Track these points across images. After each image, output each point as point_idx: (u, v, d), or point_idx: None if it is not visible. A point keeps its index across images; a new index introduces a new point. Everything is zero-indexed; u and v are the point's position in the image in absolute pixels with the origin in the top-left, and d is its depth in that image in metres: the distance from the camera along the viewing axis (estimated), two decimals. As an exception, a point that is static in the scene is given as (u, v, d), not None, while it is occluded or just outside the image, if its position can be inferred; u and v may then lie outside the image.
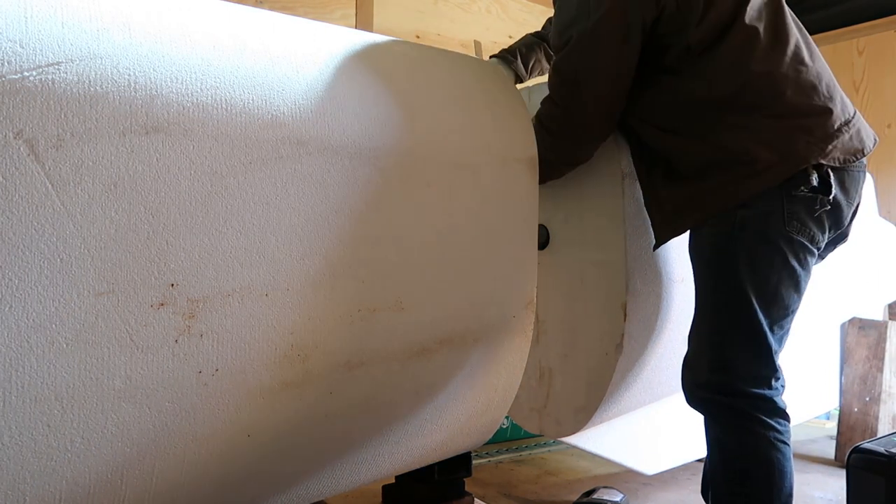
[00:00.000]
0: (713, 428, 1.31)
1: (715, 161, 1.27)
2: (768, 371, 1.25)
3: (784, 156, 1.22)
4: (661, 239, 1.40)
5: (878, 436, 1.90)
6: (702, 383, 1.29)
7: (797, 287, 1.26)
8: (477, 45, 1.80)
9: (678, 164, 1.33)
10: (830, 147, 1.24)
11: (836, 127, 1.25)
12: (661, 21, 1.26)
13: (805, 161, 1.22)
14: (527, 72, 1.69)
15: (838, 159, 1.25)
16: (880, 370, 2.35)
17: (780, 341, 1.28)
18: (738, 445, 1.26)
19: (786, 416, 1.27)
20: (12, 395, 0.77)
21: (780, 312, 1.25)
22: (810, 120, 1.25)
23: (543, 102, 1.40)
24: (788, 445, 1.26)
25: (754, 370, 1.25)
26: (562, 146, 1.41)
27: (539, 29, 1.76)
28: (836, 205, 1.26)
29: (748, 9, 1.26)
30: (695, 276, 1.35)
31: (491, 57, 1.67)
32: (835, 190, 1.24)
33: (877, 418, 2.31)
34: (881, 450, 1.53)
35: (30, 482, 0.82)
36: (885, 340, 2.36)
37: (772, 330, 1.24)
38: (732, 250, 1.25)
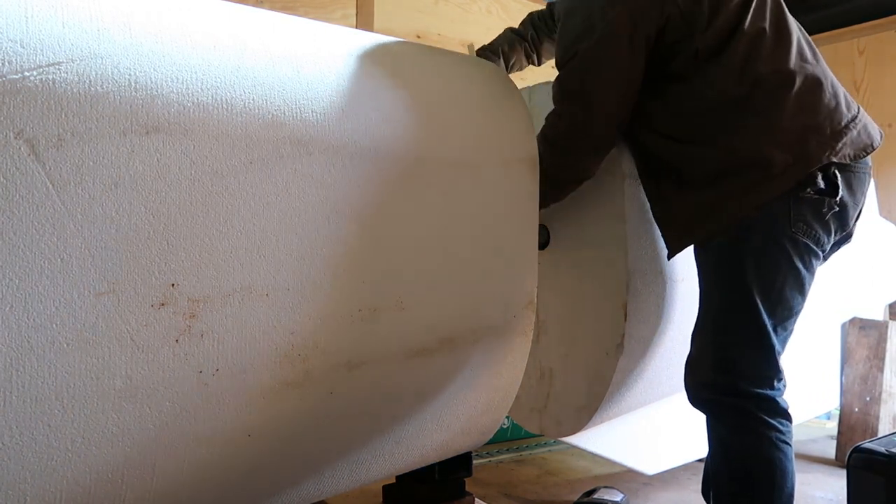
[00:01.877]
0: (716, 428, 1.31)
1: (729, 167, 1.26)
2: (771, 371, 1.26)
3: (798, 156, 1.22)
4: (676, 249, 1.37)
5: (879, 436, 1.91)
6: (706, 383, 1.29)
7: (801, 289, 1.26)
8: (470, 47, 1.79)
9: (690, 173, 1.31)
10: (840, 144, 1.23)
11: (843, 123, 1.25)
12: (667, 30, 1.26)
13: (817, 160, 1.22)
14: (507, 70, 1.68)
15: (848, 156, 1.24)
16: (881, 370, 2.35)
17: (784, 342, 1.28)
18: (741, 445, 1.26)
19: (788, 417, 1.27)
20: (13, 394, 0.77)
21: (785, 314, 1.25)
22: (819, 118, 1.24)
23: (549, 119, 1.38)
24: (790, 446, 1.26)
25: (758, 370, 1.25)
26: (570, 162, 1.39)
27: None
28: (842, 206, 1.26)
29: (752, 9, 1.26)
30: (700, 276, 1.35)
31: (479, 53, 1.67)
32: (842, 191, 1.24)
33: (877, 418, 2.31)
34: (882, 450, 1.53)
35: (30, 482, 0.82)
36: (885, 340, 2.36)
37: (775, 331, 1.25)
38: (739, 252, 1.25)
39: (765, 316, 1.23)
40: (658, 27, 1.25)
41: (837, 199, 1.23)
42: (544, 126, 1.39)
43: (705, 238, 1.30)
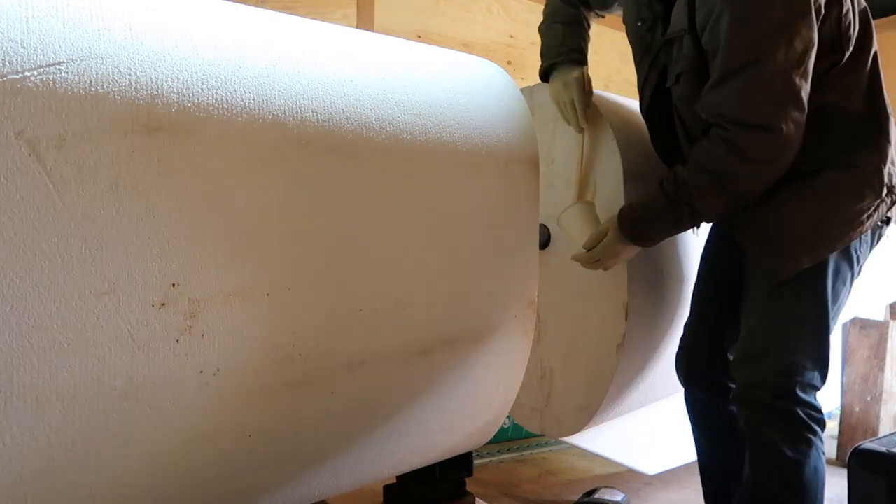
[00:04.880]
0: (762, 432, 1.26)
1: (853, 183, 1.21)
2: (823, 379, 1.27)
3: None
4: (790, 269, 1.23)
5: (880, 435, 1.90)
6: (763, 383, 1.25)
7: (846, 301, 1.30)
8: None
9: (809, 186, 1.22)
10: None
11: None
12: (822, 26, 1.16)
13: None
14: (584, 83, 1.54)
15: None
16: (881, 370, 2.35)
17: None
18: (796, 453, 1.23)
19: (824, 427, 1.28)
20: (14, 395, 0.77)
21: (836, 324, 1.29)
22: None
23: (737, 133, 1.16)
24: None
25: (814, 380, 1.25)
26: (774, 174, 1.20)
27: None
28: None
29: (872, 23, 1.25)
30: (752, 273, 1.30)
31: (552, 64, 1.53)
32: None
33: (878, 418, 2.31)
34: (882, 449, 1.53)
35: (31, 482, 0.82)
36: (886, 340, 2.36)
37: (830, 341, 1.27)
38: (825, 265, 1.24)
39: (831, 327, 1.25)
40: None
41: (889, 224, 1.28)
42: (701, 158, 1.21)
43: (825, 256, 1.23)
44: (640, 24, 1.35)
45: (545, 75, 1.57)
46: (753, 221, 1.27)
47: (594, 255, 1.39)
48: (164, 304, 0.86)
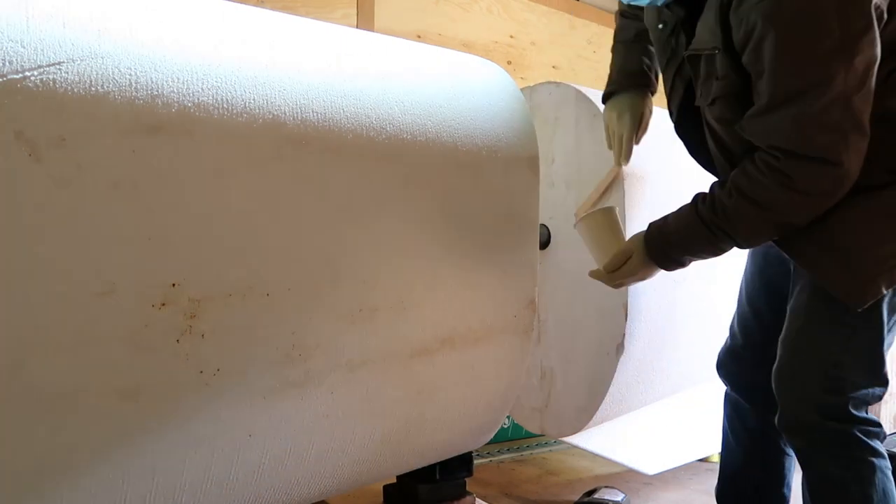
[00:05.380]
0: (820, 462, 1.14)
1: None
2: (880, 385, 1.14)
3: None
4: (868, 296, 1.08)
5: (880, 436, 1.90)
6: (805, 400, 1.13)
7: None
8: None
9: (882, 201, 1.08)
10: None
11: None
12: (884, 32, 1.02)
13: None
14: (657, 82, 1.43)
15: None
16: (882, 370, 2.35)
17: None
18: (860, 484, 1.11)
19: (884, 438, 1.16)
20: (15, 395, 0.77)
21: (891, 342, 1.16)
22: None
23: (790, 164, 1.04)
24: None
25: (868, 394, 1.13)
26: (827, 205, 1.07)
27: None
28: None
29: None
30: (799, 282, 1.19)
31: (615, 93, 1.41)
32: None
33: (878, 418, 2.31)
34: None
35: (32, 483, 0.82)
36: (886, 340, 2.36)
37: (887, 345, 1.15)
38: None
39: (885, 330, 1.12)
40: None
41: None
42: (760, 186, 1.07)
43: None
44: (661, 26, 1.24)
45: (606, 98, 1.46)
46: (816, 242, 1.12)
47: (616, 278, 1.27)
48: (164, 304, 0.86)
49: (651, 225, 1.23)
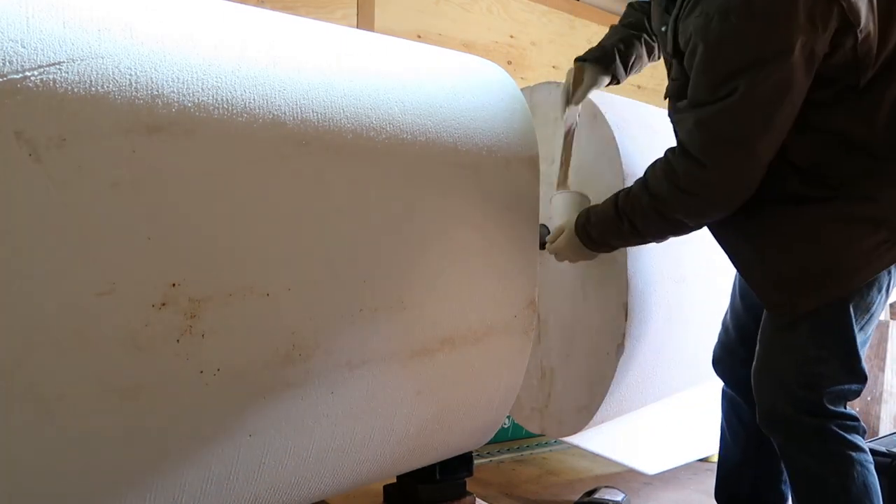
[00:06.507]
0: (798, 458, 1.17)
1: (872, 219, 1.10)
2: (857, 380, 1.15)
3: None
4: (800, 307, 1.14)
5: (880, 435, 1.90)
6: (787, 400, 1.16)
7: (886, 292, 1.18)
8: (576, 67, 1.58)
9: (817, 218, 1.12)
10: None
11: None
12: (832, 56, 1.06)
13: None
14: (626, 72, 1.50)
15: None
16: (882, 370, 2.35)
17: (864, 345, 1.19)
18: (838, 477, 1.12)
19: (865, 433, 1.17)
20: (15, 394, 0.77)
21: (871, 325, 1.18)
22: None
23: (677, 158, 1.13)
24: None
25: (844, 385, 1.14)
26: (702, 209, 1.15)
27: (615, 20, 1.55)
28: None
29: None
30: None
31: (579, 60, 1.49)
32: None
33: (878, 418, 2.31)
34: (883, 449, 1.53)
35: (32, 482, 0.82)
36: (886, 340, 2.36)
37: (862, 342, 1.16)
38: (844, 301, 1.14)
39: (855, 329, 1.13)
40: (826, 52, 1.05)
41: None
42: (664, 167, 1.15)
43: (836, 298, 1.13)
44: (664, 28, 1.26)
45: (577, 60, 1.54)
46: (755, 254, 1.18)
47: (551, 250, 1.39)
48: (164, 304, 0.86)
49: (587, 207, 1.34)
